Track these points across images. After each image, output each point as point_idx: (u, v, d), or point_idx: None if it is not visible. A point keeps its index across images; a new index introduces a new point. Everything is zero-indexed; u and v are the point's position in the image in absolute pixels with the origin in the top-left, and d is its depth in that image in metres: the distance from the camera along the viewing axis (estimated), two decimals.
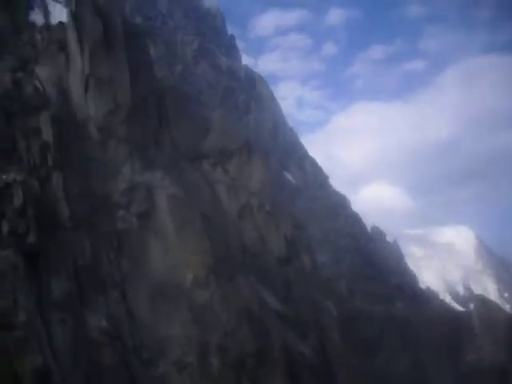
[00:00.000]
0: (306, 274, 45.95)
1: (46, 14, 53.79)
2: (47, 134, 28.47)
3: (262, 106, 75.94)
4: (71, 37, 32.66)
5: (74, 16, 33.37)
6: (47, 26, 37.71)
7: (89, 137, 30.43)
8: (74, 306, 25.74)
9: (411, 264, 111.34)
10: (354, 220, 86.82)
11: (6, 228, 25.03)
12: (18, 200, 25.73)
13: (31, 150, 28.03)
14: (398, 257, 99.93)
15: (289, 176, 79.98)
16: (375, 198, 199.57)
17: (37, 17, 51.87)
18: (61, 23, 36.43)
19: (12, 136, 28.35)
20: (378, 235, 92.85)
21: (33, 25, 49.23)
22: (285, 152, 78.74)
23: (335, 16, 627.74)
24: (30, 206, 25.82)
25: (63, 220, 27.00)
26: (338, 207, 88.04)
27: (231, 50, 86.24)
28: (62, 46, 33.09)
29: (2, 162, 27.40)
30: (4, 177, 27.02)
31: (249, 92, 74.94)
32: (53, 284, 25.29)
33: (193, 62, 66.42)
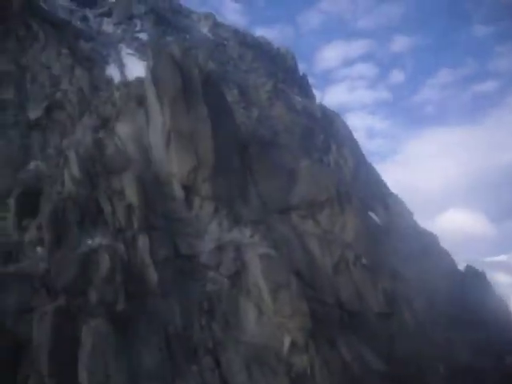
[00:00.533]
0: (408, 329, 42.68)
1: (122, 67, 56.13)
2: (131, 195, 28.28)
3: (341, 145, 74.08)
4: (150, 91, 33.01)
5: (152, 70, 33.87)
6: (125, 82, 38.65)
7: (173, 196, 30.01)
8: (166, 376, 24.60)
9: (499, 292, 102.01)
10: (445, 258, 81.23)
11: (94, 297, 24.64)
12: (105, 266, 25.41)
13: (116, 212, 27.90)
14: (498, 298, 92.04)
15: (374, 217, 76.37)
16: (453, 224, 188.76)
17: (113, 71, 54.09)
18: (138, 78, 37.16)
19: (96, 198, 28.42)
20: (472, 273, 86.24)
21: (110, 80, 51.42)
22: (368, 191, 75.66)
23: (400, 43, 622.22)
24: (117, 272, 25.35)
25: (152, 286, 26.24)
26: (428, 245, 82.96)
27: (304, 88, 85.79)
28: (141, 102, 33.50)
29: (87, 226, 27.42)
30: (89, 242, 26.97)
31: (327, 131, 73.44)
32: (143, 353, 24.36)
33: (268, 104, 66.26)
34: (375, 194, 79.74)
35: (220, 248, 28.85)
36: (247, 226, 30.51)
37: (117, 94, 36.98)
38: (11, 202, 33.30)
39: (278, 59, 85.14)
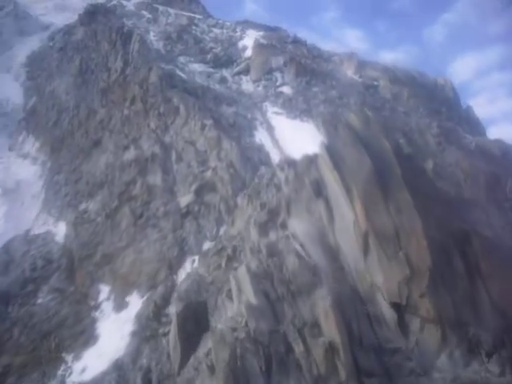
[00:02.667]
0: None
1: (270, 130, 51.44)
2: (329, 328, 21.71)
3: None
4: (329, 177, 26.48)
5: (328, 148, 27.59)
6: (289, 161, 32.93)
7: (379, 318, 22.93)
8: None
9: None
10: None
11: None
12: None
13: (311, 352, 21.44)
14: None
15: None
16: None
17: (262, 136, 49.32)
18: (307, 156, 31.01)
19: (283, 334, 22.26)
20: None
21: (261, 148, 46.62)
22: None
23: None
24: None
25: None
26: None
27: (471, 123, 74.87)
28: (319, 190, 27.18)
29: (275, 374, 21.28)
30: None
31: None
32: None
33: (438, 150, 57.37)
34: None
35: None
36: (484, 356, 22.22)
37: (281, 176, 31.27)
38: (172, 315, 28.99)
39: (436, 92, 75.52)
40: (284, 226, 27.67)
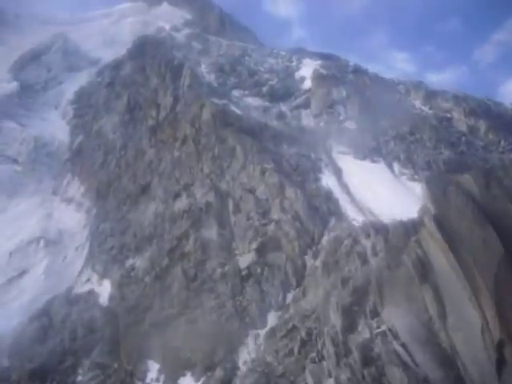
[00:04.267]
0: None
1: (338, 173, 45.82)
2: None
3: None
4: (439, 256, 20.99)
5: (436, 219, 21.85)
6: (375, 224, 27.39)
7: None
8: None
9: None
10: None
11: None
12: None
13: None
14: None
15: None
16: None
17: (329, 181, 43.83)
18: (401, 222, 25.25)
19: None
20: None
21: (329, 196, 41.27)
22: None
23: None
24: None
25: None
26: None
27: None
28: (423, 271, 21.45)
29: None
30: None
31: None
32: None
33: None
34: None
35: None
36: None
37: (366, 244, 25.92)
38: None
39: None
40: (376, 313, 22.18)
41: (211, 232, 37.75)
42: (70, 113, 68.85)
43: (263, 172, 40.60)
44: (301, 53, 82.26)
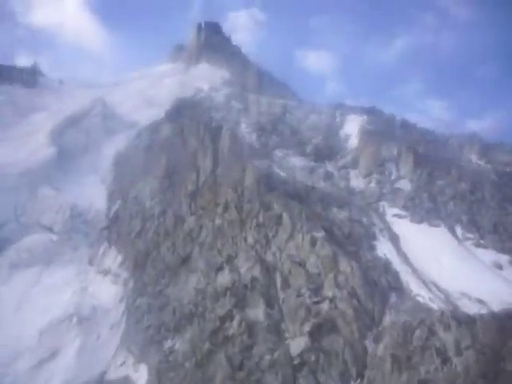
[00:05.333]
0: None
1: (394, 240, 41.80)
2: None
3: None
4: None
5: None
6: (456, 316, 23.46)
7: None
8: None
9: None
10: None
11: None
12: None
13: None
14: None
15: None
16: None
17: (385, 248, 39.98)
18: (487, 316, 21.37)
19: None
20: None
21: (387, 266, 37.57)
22: None
23: None
24: None
25: None
26: None
27: None
28: None
29: None
30: None
31: None
32: None
33: None
34: None
35: None
36: None
37: (444, 337, 21.93)
38: None
39: None
40: None
41: (258, 312, 34.41)
42: (107, 177, 68.04)
43: (313, 242, 37.41)
44: (342, 108, 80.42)
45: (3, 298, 45.76)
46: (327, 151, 59.90)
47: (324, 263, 35.88)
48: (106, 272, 51.01)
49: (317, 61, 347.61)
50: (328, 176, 54.29)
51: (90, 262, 53.55)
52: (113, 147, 74.87)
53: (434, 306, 31.93)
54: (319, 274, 35.62)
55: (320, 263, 36.07)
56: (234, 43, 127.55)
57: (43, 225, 55.87)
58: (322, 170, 55.37)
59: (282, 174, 50.62)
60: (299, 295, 34.83)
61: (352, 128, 66.43)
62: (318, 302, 33.66)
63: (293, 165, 55.94)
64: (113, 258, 52.53)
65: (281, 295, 35.45)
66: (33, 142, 69.85)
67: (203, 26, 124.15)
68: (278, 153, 59.07)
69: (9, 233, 54.19)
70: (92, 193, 64.62)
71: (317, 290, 34.61)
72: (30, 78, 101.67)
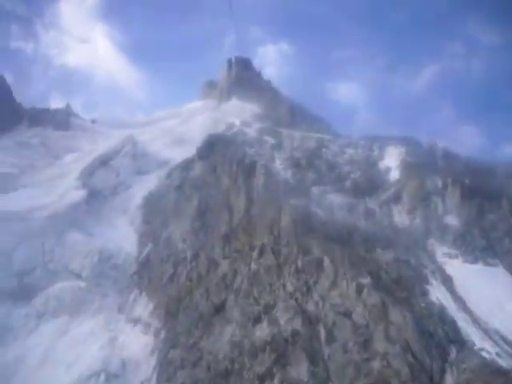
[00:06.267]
0: None
1: (447, 283, 37.95)
2: None
3: None
4: None
5: None
6: None
7: None
8: None
9: None
10: None
11: None
12: None
13: None
14: None
15: None
16: None
17: (439, 293, 36.27)
18: None
19: None
20: None
21: (442, 312, 34.05)
22: None
23: None
24: None
25: None
26: None
27: None
28: None
29: None
30: None
31: None
32: None
33: None
34: None
35: None
36: None
37: None
38: None
39: None
40: None
41: (300, 370, 31.34)
42: (138, 218, 66.21)
43: (359, 289, 34.31)
44: (378, 139, 77.23)
45: (29, 351, 43.65)
46: (367, 186, 56.88)
47: (372, 313, 32.75)
48: (136, 321, 48.53)
49: (347, 92, 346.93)
50: (369, 213, 51.13)
51: (120, 310, 51.18)
52: (143, 187, 73.32)
53: (503, 363, 28.17)
54: (367, 326, 32.40)
55: (368, 313, 32.93)
56: (265, 77, 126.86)
57: (71, 270, 54.02)
58: (362, 206, 52.27)
59: (320, 212, 47.69)
60: (346, 351, 31.61)
61: (391, 160, 63.39)
62: (368, 359, 30.42)
63: (331, 202, 53.01)
64: (143, 306, 50.10)
65: (325, 350, 32.24)
66: (63, 185, 68.88)
67: (234, 61, 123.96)
68: (315, 190, 56.25)
69: (37, 279, 52.48)
70: (122, 235, 62.80)
71: (366, 345, 31.35)
72: (63, 119, 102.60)
